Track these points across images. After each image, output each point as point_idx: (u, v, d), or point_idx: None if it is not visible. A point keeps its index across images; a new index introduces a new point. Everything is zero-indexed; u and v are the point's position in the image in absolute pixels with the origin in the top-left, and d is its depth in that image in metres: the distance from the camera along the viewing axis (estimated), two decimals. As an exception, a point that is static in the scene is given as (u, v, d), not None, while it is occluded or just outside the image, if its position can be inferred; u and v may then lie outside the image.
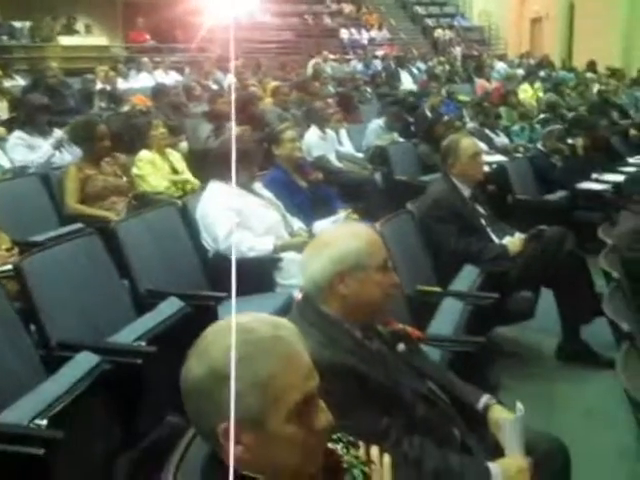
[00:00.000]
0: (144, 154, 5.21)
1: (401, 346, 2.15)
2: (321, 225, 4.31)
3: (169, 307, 3.14)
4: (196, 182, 5.33)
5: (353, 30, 22.72)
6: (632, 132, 8.91)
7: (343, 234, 2.07)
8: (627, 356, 2.42)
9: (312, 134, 7.04)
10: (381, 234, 3.62)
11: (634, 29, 17.82)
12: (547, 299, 4.27)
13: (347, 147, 7.67)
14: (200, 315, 3.23)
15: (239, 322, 1.31)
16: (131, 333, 2.93)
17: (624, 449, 3.17)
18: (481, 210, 4.38)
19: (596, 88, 12.82)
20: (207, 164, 4.87)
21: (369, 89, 12.46)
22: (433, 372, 2.21)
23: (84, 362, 2.61)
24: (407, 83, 14.04)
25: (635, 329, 2.79)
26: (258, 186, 4.27)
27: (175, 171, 5.31)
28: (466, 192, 4.31)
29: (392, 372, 2.04)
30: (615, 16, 18.11)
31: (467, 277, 3.80)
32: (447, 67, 16.13)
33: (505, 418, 2.12)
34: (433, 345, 2.90)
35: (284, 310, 3.61)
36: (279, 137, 4.86)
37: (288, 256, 3.87)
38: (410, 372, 2.12)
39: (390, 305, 2.15)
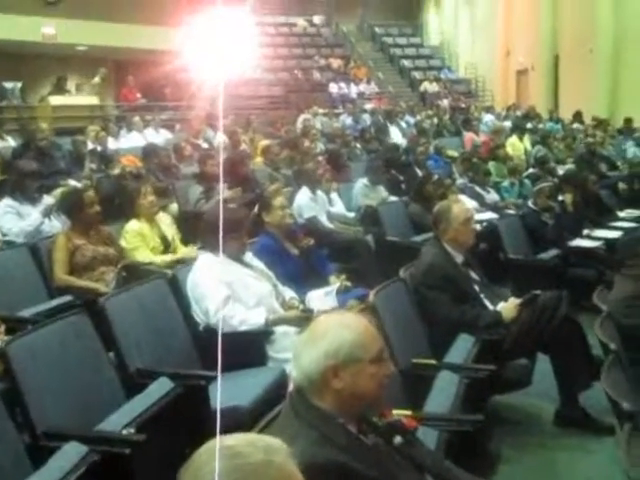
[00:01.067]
0: (132, 226, 5.13)
1: (398, 439, 2.09)
2: (314, 296, 4.27)
3: (159, 389, 3.07)
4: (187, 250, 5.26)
5: (342, 84, 23.06)
6: (621, 186, 8.97)
7: (336, 325, 2.02)
8: (630, 438, 2.36)
9: (303, 195, 7.03)
10: (375, 305, 3.62)
11: (618, 79, 18.07)
12: (544, 365, 4.22)
13: (338, 207, 7.65)
14: (191, 395, 3.17)
15: (229, 445, 1.26)
16: (121, 418, 2.86)
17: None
18: (474, 276, 4.35)
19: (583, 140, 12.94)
20: (199, 232, 4.86)
21: (359, 145, 12.51)
22: (431, 464, 2.14)
23: (72, 453, 2.53)
24: (396, 138, 14.11)
25: (636, 406, 2.73)
26: (249, 256, 4.23)
27: (165, 240, 5.25)
28: (458, 258, 4.28)
29: (389, 468, 1.98)
30: (599, 67, 18.38)
31: (462, 347, 3.74)
32: (435, 121, 16.27)
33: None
34: (430, 425, 2.84)
35: (276, 385, 3.56)
36: (269, 203, 4.82)
37: (280, 329, 3.82)
38: (407, 466, 2.06)
39: (385, 395, 2.09)
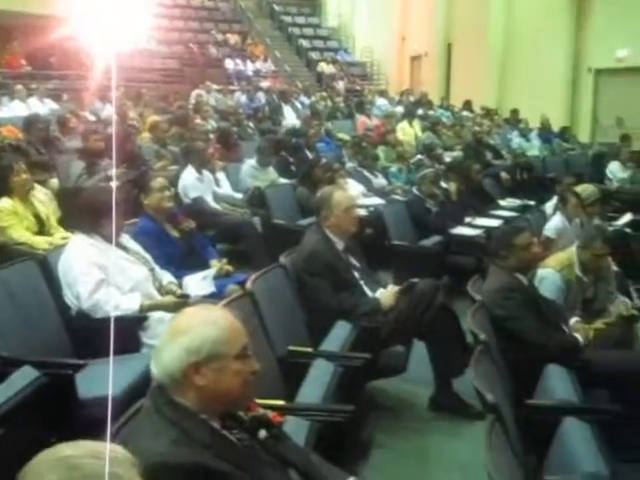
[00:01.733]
0: (4, 204, 4.87)
1: (262, 433, 2.06)
2: (191, 280, 4.19)
3: (22, 378, 2.91)
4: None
5: (238, 61, 22.72)
6: (504, 175, 9.25)
7: (199, 321, 1.96)
8: (492, 429, 2.41)
9: (189, 175, 6.88)
10: (252, 292, 3.57)
11: (506, 71, 18.62)
12: (420, 351, 4.30)
13: (225, 188, 7.54)
14: (57, 384, 3.03)
15: (65, 455, 1.19)
16: (-21, 409, 2.70)
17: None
18: (355, 262, 4.36)
19: (471, 128, 13.26)
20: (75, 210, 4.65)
21: (251, 124, 12.38)
22: (297, 459, 2.12)
23: None
24: (290, 118, 14.08)
25: (501, 398, 2.81)
26: (125, 238, 4.09)
27: (39, 219, 5.01)
28: (340, 245, 4.28)
29: (252, 463, 1.95)
30: (489, 57, 18.88)
31: (339, 335, 3.75)
32: (329, 103, 16.31)
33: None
34: (301, 415, 2.83)
35: (149, 373, 3.45)
36: (147, 185, 4.66)
37: (155, 315, 3.71)
38: (273, 462, 2.03)
39: (251, 391, 2.05)
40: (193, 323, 1.96)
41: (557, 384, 3.35)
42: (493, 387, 2.83)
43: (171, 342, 1.93)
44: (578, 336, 3.92)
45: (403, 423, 4.19)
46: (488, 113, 16.14)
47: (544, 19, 16.95)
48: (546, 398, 3.27)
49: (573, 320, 4.13)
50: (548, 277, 4.33)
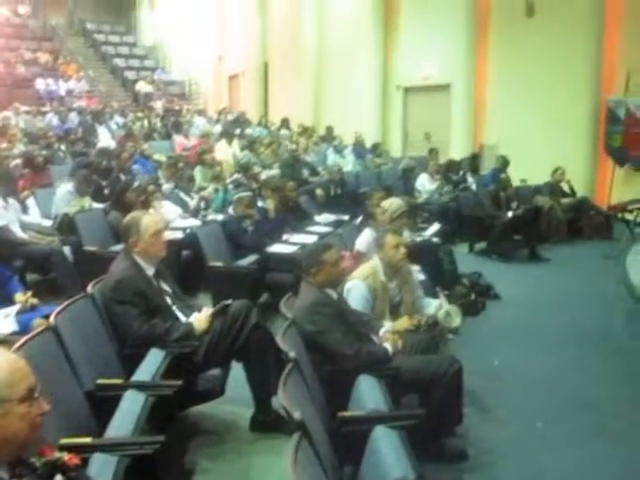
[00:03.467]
0: None
1: (58, 478, 1.97)
2: (-7, 319, 3.95)
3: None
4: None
5: (50, 80, 21.83)
6: (318, 192, 9.49)
7: None
8: (298, 446, 2.44)
9: (-7, 203, 6.51)
10: (56, 325, 3.41)
11: (321, 88, 19.10)
12: (238, 372, 4.30)
13: (34, 215, 7.19)
14: None
15: None
16: None
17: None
18: (166, 288, 4.29)
19: (288, 146, 13.50)
20: None
21: (63, 147, 11.91)
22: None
23: None
24: (105, 139, 13.67)
25: (312, 414, 2.86)
26: None
27: None
28: (150, 271, 4.19)
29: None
30: (303, 75, 19.29)
31: (152, 363, 3.67)
32: (146, 123, 16.03)
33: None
34: (109, 452, 2.73)
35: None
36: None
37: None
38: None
39: (40, 434, 1.95)
40: (-27, 366, 1.84)
41: (368, 394, 3.45)
42: (302, 404, 2.87)
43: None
44: (387, 345, 4.07)
45: (226, 446, 4.18)
46: (305, 131, 16.50)
47: (354, 39, 17.57)
48: (358, 409, 3.36)
49: (383, 330, 4.29)
50: (354, 288, 4.48)
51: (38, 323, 4.02)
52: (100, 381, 3.42)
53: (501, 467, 3.98)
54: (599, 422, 4.57)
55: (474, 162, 12.98)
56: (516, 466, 4.01)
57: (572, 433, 4.42)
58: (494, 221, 9.55)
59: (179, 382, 3.45)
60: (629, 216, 10.74)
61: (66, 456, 2.04)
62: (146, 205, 6.77)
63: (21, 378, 1.88)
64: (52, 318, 3.44)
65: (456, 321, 4.58)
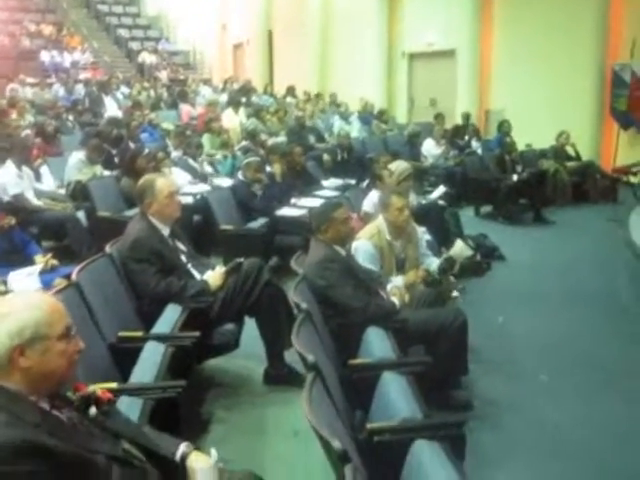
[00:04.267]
0: None
1: (92, 410, 2.13)
2: (16, 277, 4.11)
3: None
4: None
5: (54, 52, 21.82)
6: (325, 157, 9.59)
7: (21, 305, 1.99)
8: (312, 385, 2.60)
9: (7, 171, 6.64)
10: (78, 282, 3.57)
11: (327, 55, 19.09)
12: (251, 327, 4.46)
13: (47, 182, 7.34)
14: None
15: None
16: None
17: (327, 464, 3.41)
18: (181, 247, 4.44)
19: (295, 113, 13.56)
20: None
21: (71, 117, 12.01)
22: (127, 431, 2.21)
23: None
24: (112, 110, 13.73)
25: (323, 360, 3.02)
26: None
27: None
28: (165, 231, 4.34)
29: (84, 440, 2.01)
30: (309, 43, 19.26)
31: (170, 317, 3.84)
32: (152, 93, 16.08)
33: (199, 467, 2.18)
34: (134, 395, 2.90)
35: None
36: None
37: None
38: (104, 436, 2.10)
39: (75, 371, 2.11)
40: (13, 308, 1.98)
41: (376, 344, 3.61)
42: (315, 351, 3.03)
43: (-7, 327, 1.95)
44: (395, 299, 4.23)
45: (240, 398, 4.34)
46: (310, 99, 16.53)
47: (359, 6, 17.54)
48: (368, 357, 3.52)
49: (390, 285, 4.44)
50: (361, 247, 4.62)
51: (59, 282, 4.18)
52: (122, 334, 3.59)
53: (505, 418, 4.11)
54: (605, 379, 4.66)
55: (457, 133, 12.78)
56: (521, 417, 4.13)
57: (578, 388, 4.53)
58: (499, 184, 9.65)
59: (197, 333, 3.61)
60: (634, 179, 10.83)
61: (99, 391, 2.21)
62: (156, 171, 6.89)
63: (59, 318, 2.03)
64: (74, 275, 3.59)
65: (467, 253, 4.70)
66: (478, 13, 14.72)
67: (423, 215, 6.24)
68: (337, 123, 13.81)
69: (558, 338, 5.40)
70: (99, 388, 2.27)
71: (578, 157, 11.46)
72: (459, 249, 4.69)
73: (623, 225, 8.75)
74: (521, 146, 11.37)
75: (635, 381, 4.64)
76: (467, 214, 9.42)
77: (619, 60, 12.36)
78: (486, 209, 9.96)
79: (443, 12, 15.39)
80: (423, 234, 5.53)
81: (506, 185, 9.58)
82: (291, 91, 17.60)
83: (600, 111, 12.96)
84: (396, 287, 4.38)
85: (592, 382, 4.63)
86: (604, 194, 10.81)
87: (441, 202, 7.60)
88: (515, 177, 9.68)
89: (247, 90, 17.34)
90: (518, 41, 14.08)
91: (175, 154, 8.77)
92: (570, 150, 11.32)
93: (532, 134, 11.97)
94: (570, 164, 11.05)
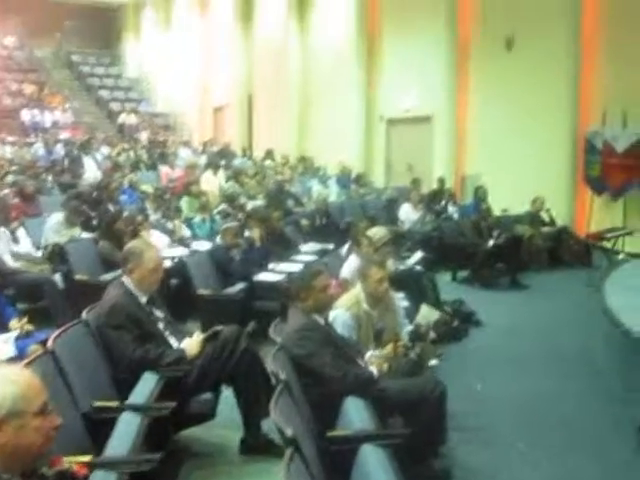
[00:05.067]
0: None
1: (67, 487, 2.10)
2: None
3: None
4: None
5: (35, 111, 21.96)
6: (303, 222, 9.65)
7: None
8: (291, 460, 2.57)
9: (-16, 233, 6.62)
10: (53, 350, 3.53)
11: (306, 119, 19.31)
12: (228, 395, 4.42)
13: (24, 244, 7.29)
14: None
15: None
16: None
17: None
18: (159, 314, 4.42)
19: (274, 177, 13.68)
20: None
21: (50, 178, 12.03)
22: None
23: None
24: (91, 170, 13.80)
25: (301, 433, 2.99)
26: None
27: None
28: (143, 298, 4.32)
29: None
30: (288, 107, 19.52)
31: (146, 386, 3.79)
32: (132, 154, 16.18)
33: None
34: (108, 469, 2.84)
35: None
36: None
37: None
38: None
39: (51, 447, 2.08)
40: (-9, 382, 1.97)
41: (355, 415, 3.58)
42: (293, 423, 3.00)
43: (-33, 403, 1.93)
44: (373, 369, 4.21)
45: (217, 468, 4.27)
46: (288, 161, 16.70)
47: (338, 72, 17.86)
48: (346, 428, 3.49)
49: (368, 354, 4.43)
50: (339, 317, 4.63)
51: (35, 349, 4.12)
52: (97, 404, 3.53)
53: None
54: (581, 440, 4.72)
55: (434, 198, 12.99)
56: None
57: (554, 450, 4.54)
58: (476, 249, 9.75)
59: (173, 404, 3.56)
60: (607, 244, 10.98)
61: (75, 466, 2.18)
62: (135, 235, 6.90)
63: (36, 394, 2.01)
64: (50, 343, 3.55)
65: (434, 316, 4.71)
66: (454, 80, 15.04)
67: (401, 281, 6.27)
68: (315, 187, 13.93)
69: (535, 401, 5.44)
70: (74, 462, 2.23)
71: (553, 222, 11.63)
72: (425, 313, 4.73)
73: (598, 290, 8.83)
74: (497, 211, 11.53)
75: (611, 441, 4.69)
76: (444, 279, 9.48)
77: (591, 127, 12.66)
78: (463, 274, 10.03)
79: (420, 79, 15.72)
80: (400, 300, 5.55)
81: (482, 250, 9.69)
82: (270, 154, 17.77)
83: (574, 177, 13.19)
84: (374, 356, 4.37)
85: (569, 443, 4.67)
86: (578, 258, 10.96)
87: (418, 267, 7.64)
88: (491, 242, 9.79)
89: (226, 153, 17.49)
90: (494, 107, 14.38)
91: (154, 217, 8.79)
92: (545, 215, 11.50)
93: (508, 199, 12.16)
94: (545, 229, 11.22)
